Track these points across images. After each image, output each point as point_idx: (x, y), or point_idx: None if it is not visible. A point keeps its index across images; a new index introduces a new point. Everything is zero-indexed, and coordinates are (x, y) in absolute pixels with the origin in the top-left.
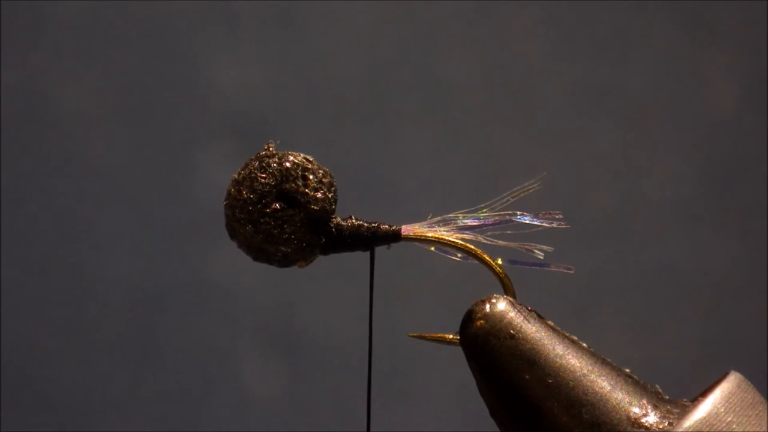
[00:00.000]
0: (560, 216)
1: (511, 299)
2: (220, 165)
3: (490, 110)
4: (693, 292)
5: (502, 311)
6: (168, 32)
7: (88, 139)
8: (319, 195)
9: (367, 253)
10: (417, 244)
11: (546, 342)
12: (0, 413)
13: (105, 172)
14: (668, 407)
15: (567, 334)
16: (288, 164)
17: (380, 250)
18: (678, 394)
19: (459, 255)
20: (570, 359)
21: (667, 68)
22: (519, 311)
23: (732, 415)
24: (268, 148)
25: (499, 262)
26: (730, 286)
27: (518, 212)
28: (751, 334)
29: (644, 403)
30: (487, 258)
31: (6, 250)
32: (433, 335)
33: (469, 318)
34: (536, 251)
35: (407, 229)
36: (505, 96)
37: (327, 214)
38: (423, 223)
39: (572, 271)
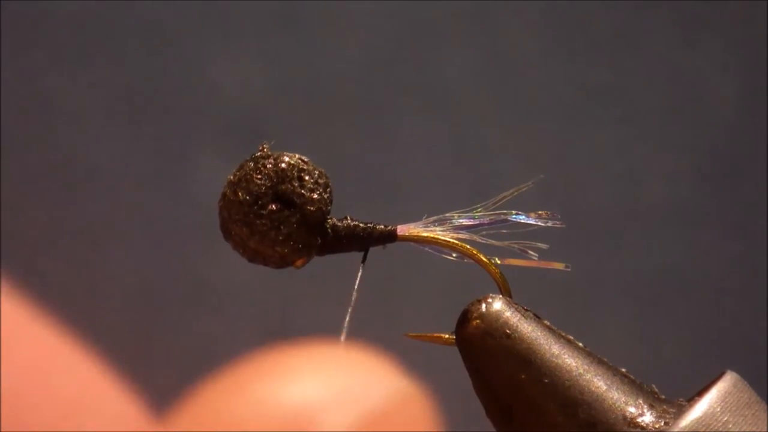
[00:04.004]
0: (556, 215)
1: (507, 299)
2: (219, 165)
3: (488, 110)
4: (691, 292)
5: (498, 311)
6: (167, 32)
7: (87, 138)
8: (315, 196)
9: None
10: (413, 244)
11: (542, 342)
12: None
13: (104, 171)
14: (664, 407)
15: (563, 334)
16: (283, 165)
17: (378, 251)
18: (674, 393)
19: (454, 255)
20: (566, 359)
21: (666, 68)
22: (515, 311)
23: (728, 414)
24: (263, 149)
25: (497, 261)
26: (728, 286)
27: (514, 212)
28: (749, 334)
29: (640, 403)
30: (483, 258)
31: (6, 250)
32: (430, 335)
33: (465, 318)
34: (530, 252)
35: (403, 229)
36: (503, 95)
37: (323, 214)
38: (419, 223)
39: (569, 269)
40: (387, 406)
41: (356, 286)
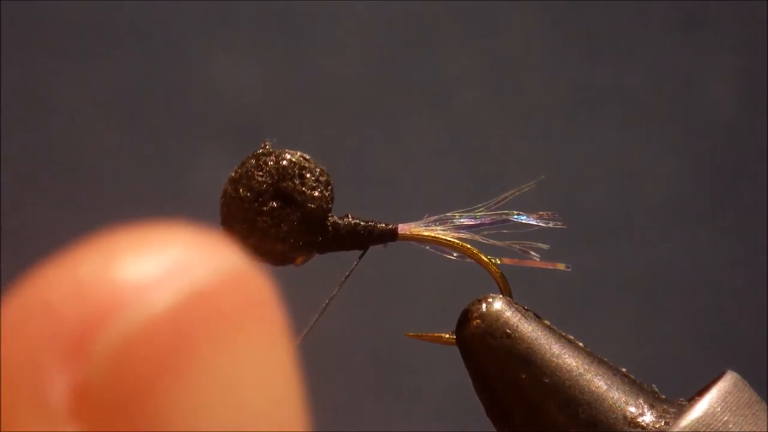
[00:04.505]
0: (557, 216)
1: (507, 299)
2: (219, 165)
3: (489, 109)
4: (691, 292)
5: (498, 311)
6: (167, 32)
7: (87, 139)
8: (316, 193)
9: (366, 254)
10: (414, 243)
11: (542, 341)
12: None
13: (104, 171)
14: (665, 406)
15: (563, 334)
16: (285, 162)
17: (378, 250)
18: (675, 393)
19: (455, 254)
20: (566, 359)
21: (667, 68)
22: (515, 311)
23: (728, 414)
24: (265, 146)
25: (497, 261)
26: (728, 286)
27: (515, 212)
28: (748, 334)
29: (641, 403)
30: (484, 257)
31: (6, 250)
32: (430, 335)
33: (465, 317)
34: (531, 252)
35: (404, 228)
36: (504, 95)
37: (324, 212)
38: (420, 222)
39: (570, 269)
40: (217, 282)
41: (338, 291)
